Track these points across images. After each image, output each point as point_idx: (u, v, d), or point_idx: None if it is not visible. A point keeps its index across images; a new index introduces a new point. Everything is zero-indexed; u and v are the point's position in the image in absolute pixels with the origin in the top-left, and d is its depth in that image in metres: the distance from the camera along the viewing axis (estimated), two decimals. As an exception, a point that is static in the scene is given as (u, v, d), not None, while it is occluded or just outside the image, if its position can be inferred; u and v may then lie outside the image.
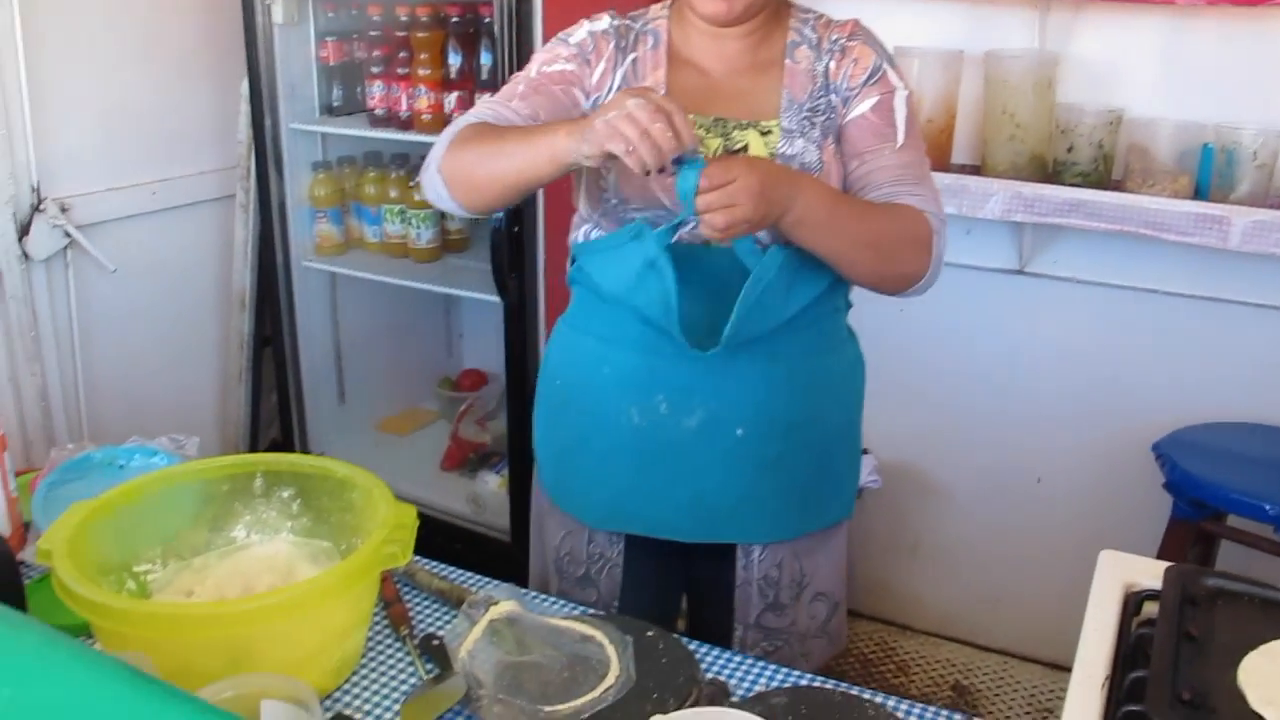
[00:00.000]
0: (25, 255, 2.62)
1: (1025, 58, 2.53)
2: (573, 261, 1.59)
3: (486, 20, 2.58)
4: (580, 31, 1.56)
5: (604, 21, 1.56)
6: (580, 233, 1.57)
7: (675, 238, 1.43)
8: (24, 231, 2.60)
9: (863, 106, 1.49)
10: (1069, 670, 0.97)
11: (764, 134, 1.48)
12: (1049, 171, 2.56)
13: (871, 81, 1.49)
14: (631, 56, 1.53)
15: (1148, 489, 2.49)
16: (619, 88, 1.51)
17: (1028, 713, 2.75)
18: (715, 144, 1.47)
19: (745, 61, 1.53)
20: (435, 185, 1.48)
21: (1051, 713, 2.73)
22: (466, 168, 1.44)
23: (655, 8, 1.60)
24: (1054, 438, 2.79)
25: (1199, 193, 2.42)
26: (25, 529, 1.58)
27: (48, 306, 2.71)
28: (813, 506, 1.60)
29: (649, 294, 1.45)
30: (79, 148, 2.73)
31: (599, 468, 1.58)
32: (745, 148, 1.47)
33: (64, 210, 2.67)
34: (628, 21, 1.56)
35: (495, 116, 1.50)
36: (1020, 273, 2.73)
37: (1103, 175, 2.50)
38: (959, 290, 2.74)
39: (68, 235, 2.69)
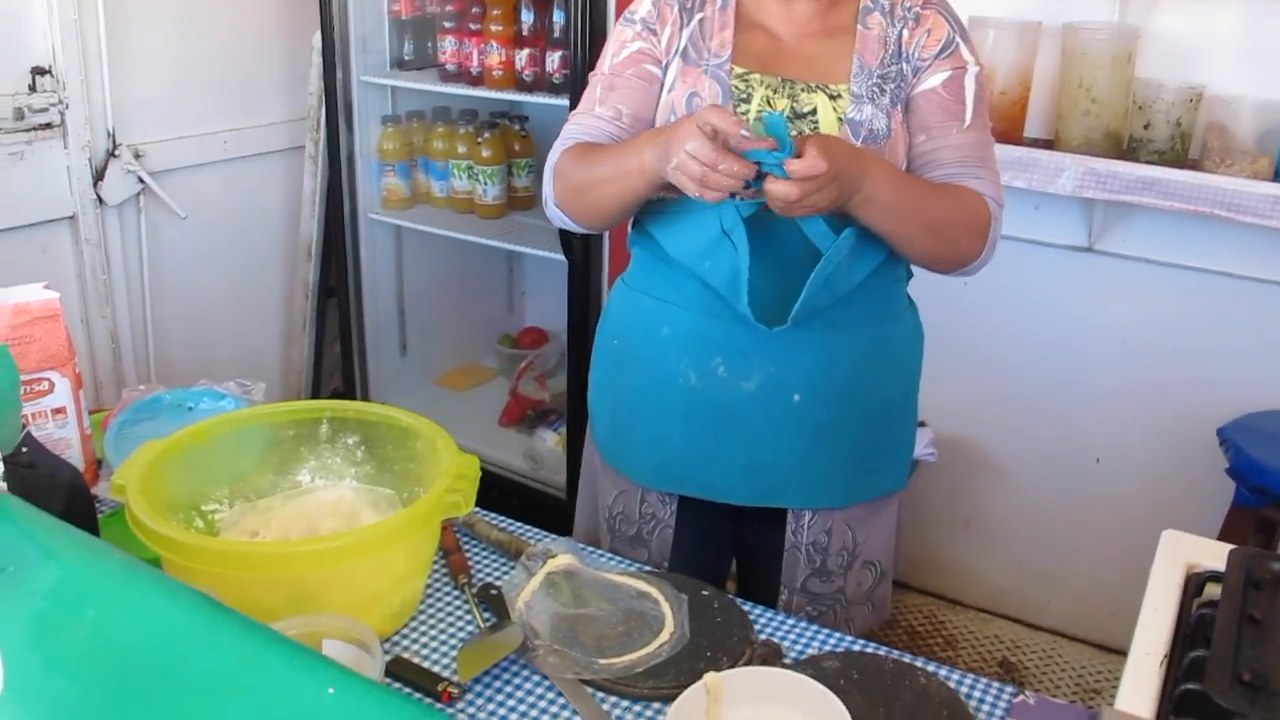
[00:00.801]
0: (100, 200, 2.67)
1: (1104, 31, 2.47)
2: (635, 223, 1.59)
3: (561, -25, 2.58)
4: (644, 4, 1.55)
5: None
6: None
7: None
8: (99, 177, 2.66)
9: (934, 80, 1.48)
10: (1119, 653, 0.97)
11: (833, 98, 1.46)
12: (1124, 148, 2.51)
13: (944, 55, 1.49)
14: (699, 16, 1.52)
15: (1209, 474, 2.45)
16: (685, 49, 1.50)
17: (1075, 693, 2.73)
18: (783, 105, 1.46)
19: (816, 26, 1.51)
20: (561, 219, 1.57)
21: (1099, 694, 2.72)
22: (579, 202, 1.52)
23: None
24: (1115, 418, 2.76)
25: (1279, 175, 2.37)
26: (97, 465, 1.63)
27: (120, 251, 2.77)
28: (866, 475, 1.60)
29: (718, 264, 1.44)
30: (154, 96, 2.78)
31: (654, 428, 1.58)
32: (814, 111, 1.46)
33: (138, 156, 2.72)
34: None
35: (585, 130, 1.54)
36: (1089, 250, 2.69)
37: (1179, 154, 2.45)
38: (1025, 266, 2.71)
39: (141, 181, 2.73)
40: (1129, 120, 2.50)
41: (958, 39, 1.50)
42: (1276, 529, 2.40)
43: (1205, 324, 2.60)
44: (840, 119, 1.45)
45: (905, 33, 1.49)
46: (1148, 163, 2.43)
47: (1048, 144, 2.60)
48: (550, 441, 2.98)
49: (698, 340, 1.51)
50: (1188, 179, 2.37)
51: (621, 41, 1.55)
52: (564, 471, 2.81)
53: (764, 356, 1.49)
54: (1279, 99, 2.35)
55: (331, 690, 0.60)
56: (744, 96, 1.47)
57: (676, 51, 1.51)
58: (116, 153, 2.68)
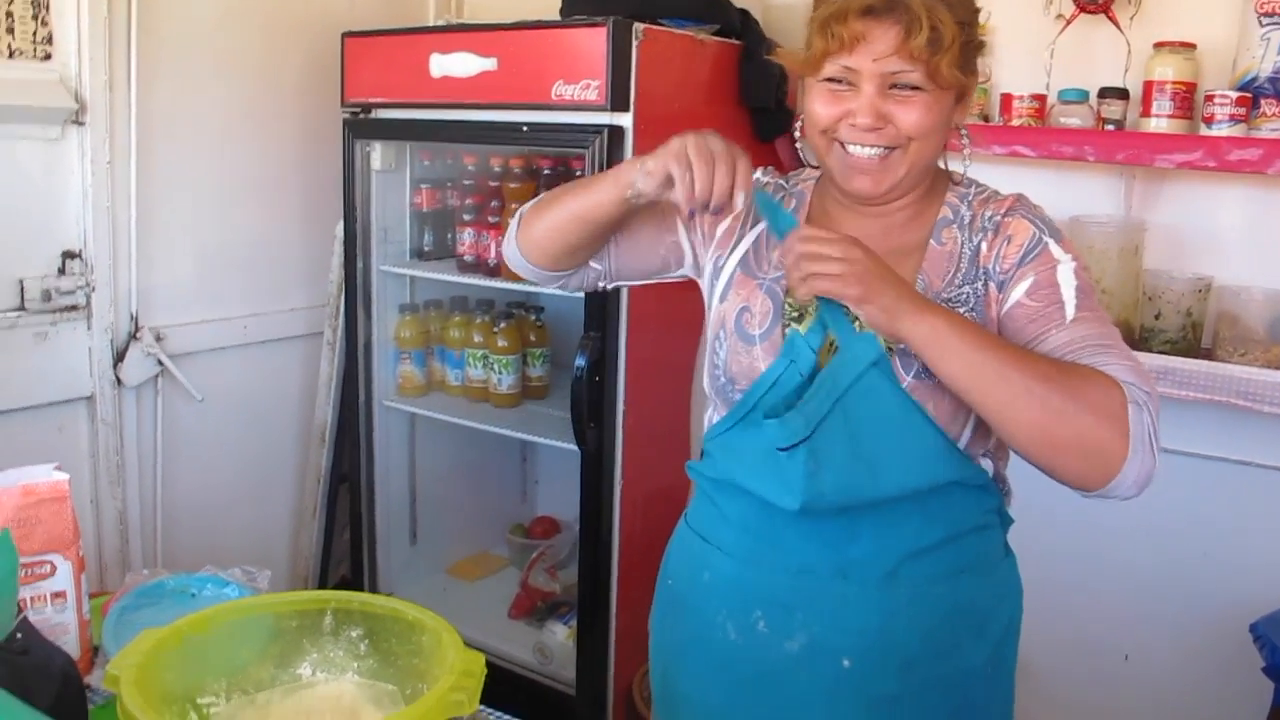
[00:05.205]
0: (118, 381, 2.69)
1: (1111, 224, 2.51)
2: (704, 455, 1.48)
3: (578, 173, 2.65)
4: None
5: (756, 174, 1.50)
6: (706, 417, 1.50)
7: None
8: (119, 358, 2.68)
9: (1018, 292, 1.31)
10: None
11: None
12: (1136, 338, 2.52)
13: (1029, 259, 1.32)
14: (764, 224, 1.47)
15: (1245, 671, 2.36)
16: (746, 256, 1.46)
17: None
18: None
19: (885, 245, 1.36)
20: (513, 251, 1.54)
21: None
22: (540, 218, 1.48)
23: (808, 170, 1.54)
24: (1142, 614, 2.67)
25: (1293, 363, 2.36)
26: (94, 652, 1.58)
27: (134, 432, 2.77)
28: None
29: (774, 471, 1.33)
30: (178, 280, 2.83)
31: (696, 686, 1.47)
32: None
33: (159, 339, 2.75)
34: (780, 181, 1.53)
35: None
36: (1106, 440, 2.66)
37: (1192, 343, 2.45)
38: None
39: (160, 363, 2.76)
40: (1140, 310, 2.51)
41: (1046, 238, 1.33)
42: (1319, 732, 2.30)
43: (1228, 514, 2.54)
44: (890, 347, 1.30)
45: (984, 245, 1.35)
46: (1160, 352, 2.43)
47: (1060, 335, 2.61)
48: (560, 635, 2.90)
49: (736, 589, 1.40)
50: (1202, 368, 2.36)
51: None
52: (573, 666, 2.73)
53: (808, 612, 1.35)
54: (1288, 288, 2.37)
55: None
56: (795, 315, 1.39)
57: (733, 251, 1.47)
58: (138, 335, 2.71)
